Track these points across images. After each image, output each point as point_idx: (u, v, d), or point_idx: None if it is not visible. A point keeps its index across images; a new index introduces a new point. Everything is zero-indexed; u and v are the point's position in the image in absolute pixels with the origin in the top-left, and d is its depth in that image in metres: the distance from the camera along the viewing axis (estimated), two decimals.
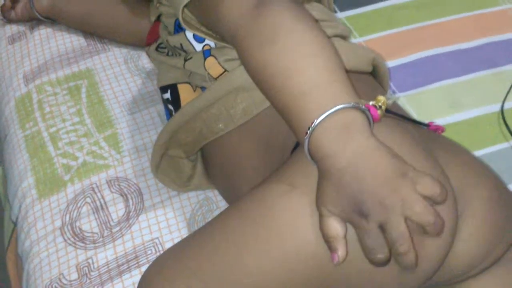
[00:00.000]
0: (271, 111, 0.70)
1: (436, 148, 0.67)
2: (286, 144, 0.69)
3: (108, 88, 1.00)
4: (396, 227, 0.54)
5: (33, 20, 1.12)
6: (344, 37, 0.80)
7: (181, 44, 0.78)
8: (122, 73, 1.02)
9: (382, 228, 0.54)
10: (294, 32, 0.61)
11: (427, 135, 0.70)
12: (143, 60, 1.04)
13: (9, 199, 0.95)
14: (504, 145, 0.91)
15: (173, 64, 0.80)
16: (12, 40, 1.12)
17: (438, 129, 0.74)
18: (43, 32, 1.11)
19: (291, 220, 0.59)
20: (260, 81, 0.62)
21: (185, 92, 0.80)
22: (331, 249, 0.56)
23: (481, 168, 0.69)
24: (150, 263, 0.70)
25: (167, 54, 0.82)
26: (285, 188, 0.60)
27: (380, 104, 0.66)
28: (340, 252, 0.55)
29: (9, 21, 1.13)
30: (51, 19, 1.10)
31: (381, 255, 0.54)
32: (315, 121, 0.56)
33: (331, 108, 0.56)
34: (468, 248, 0.62)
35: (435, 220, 0.54)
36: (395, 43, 1.05)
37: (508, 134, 0.92)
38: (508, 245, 0.66)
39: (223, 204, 0.85)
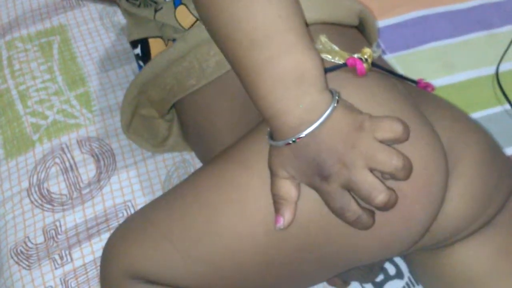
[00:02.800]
0: None
1: (424, 104, 0.62)
2: None
3: (81, 44, 0.95)
4: (362, 182, 0.50)
5: None
6: None
7: None
8: (96, 29, 0.97)
9: (348, 188, 0.51)
10: None
11: (415, 91, 0.66)
12: (120, 16, 0.98)
13: None
14: (498, 108, 0.87)
15: (144, 15, 0.74)
16: None
17: (428, 87, 0.69)
18: None
19: (268, 180, 0.55)
20: (211, 31, 0.56)
21: (157, 47, 0.74)
22: (277, 211, 0.52)
23: (473, 125, 0.64)
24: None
25: (139, 6, 0.77)
26: (266, 147, 0.56)
27: (366, 56, 0.61)
28: (287, 216, 0.52)
29: None
30: None
31: (349, 213, 0.50)
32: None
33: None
34: (457, 209, 0.58)
35: (403, 163, 0.50)
36: (385, 2, 0.99)
37: (502, 97, 0.87)
38: (498, 207, 0.62)
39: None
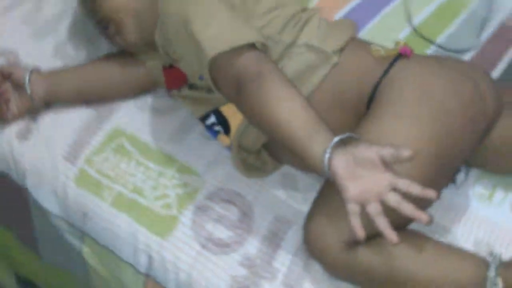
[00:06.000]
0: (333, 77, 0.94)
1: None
2: (360, 99, 0.93)
3: (145, 133, 1.11)
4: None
5: (31, 113, 1.14)
6: None
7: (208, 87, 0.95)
8: (147, 115, 1.14)
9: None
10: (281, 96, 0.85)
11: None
12: (157, 97, 1.15)
13: (127, 261, 1.05)
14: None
15: (213, 97, 0.97)
16: (22, 135, 1.13)
17: (407, 51, 0.97)
18: (48, 119, 1.14)
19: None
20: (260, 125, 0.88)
21: (230, 111, 0.98)
22: None
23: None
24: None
25: (206, 92, 0.98)
26: None
27: (405, 43, 0.95)
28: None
29: (9, 122, 1.13)
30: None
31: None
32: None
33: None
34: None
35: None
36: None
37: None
38: None
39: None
